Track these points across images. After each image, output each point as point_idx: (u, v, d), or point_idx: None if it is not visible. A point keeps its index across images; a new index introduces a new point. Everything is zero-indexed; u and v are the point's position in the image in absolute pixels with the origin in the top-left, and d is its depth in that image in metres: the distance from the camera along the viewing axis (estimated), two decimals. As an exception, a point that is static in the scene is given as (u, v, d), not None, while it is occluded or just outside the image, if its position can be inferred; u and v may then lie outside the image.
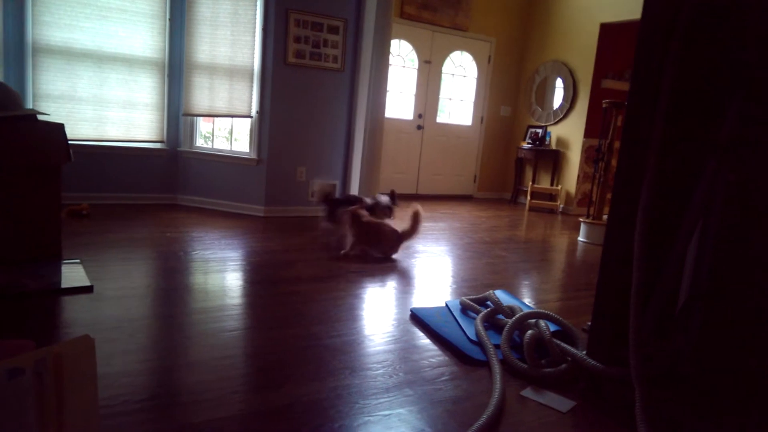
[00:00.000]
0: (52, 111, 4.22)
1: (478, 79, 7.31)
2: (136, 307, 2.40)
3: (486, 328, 2.37)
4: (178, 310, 2.42)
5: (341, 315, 2.52)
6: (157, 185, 4.85)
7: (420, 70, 6.83)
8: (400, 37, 6.50)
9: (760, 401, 1.56)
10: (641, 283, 1.69)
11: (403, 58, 6.70)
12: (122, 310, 2.35)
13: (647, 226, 1.69)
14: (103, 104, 4.48)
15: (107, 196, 4.65)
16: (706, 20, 1.66)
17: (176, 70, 4.71)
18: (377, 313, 2.62)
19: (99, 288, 2.57)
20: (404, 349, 2.20)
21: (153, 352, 1.99)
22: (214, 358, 1.97)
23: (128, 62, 4.52)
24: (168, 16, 4.60)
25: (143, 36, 4.54)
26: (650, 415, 1.61)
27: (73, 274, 2.69)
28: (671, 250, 1.75)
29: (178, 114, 4.80)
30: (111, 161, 4.63)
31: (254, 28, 4.60)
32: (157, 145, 4.80)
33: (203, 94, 4.70)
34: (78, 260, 2.93)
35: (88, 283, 2.58)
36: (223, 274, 3.03)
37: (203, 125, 5.09)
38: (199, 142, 4.97)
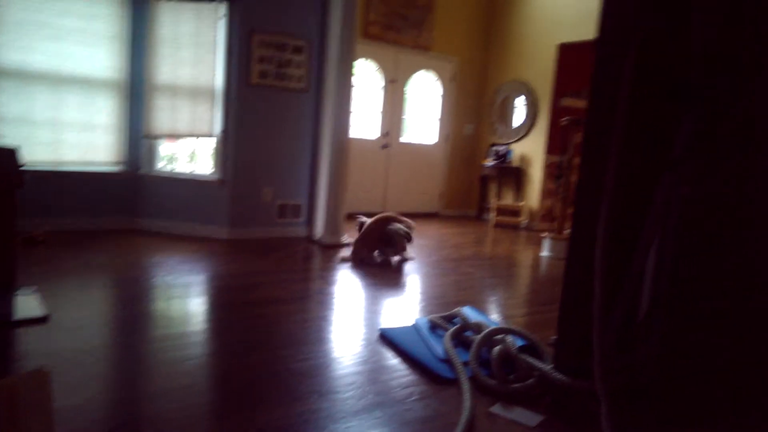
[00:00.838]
0: (6, 134, 4.08)
1: (442, 98, 7.44)
2: (94, 337, 2.31)
3: (455, 346, 2.37)
4: (138, 338, 2.34)
5: (309, 337, 2.48)
6: (117, 209, 4.71)
7: (385, 89, 6.91)
8: (364, 56, 6.57)
9: (723, 409, 1.60)
10: (603, 296, 1.73)
11: (367, 78, 6.77)
12: (80, 340, 2.25)
13: (608, 239, 1.74)
14: (59, 127, 4.35)
15: (64, 222, 4.49)
16: (658, 40, 1.74)
17: (137, 91, 4.63)
18: (345, 334, 2.59)
19: (55, 318, 2.47)
20: (373, 370, 2.18)
21: (113, 383, 1.92)
22: (177, 386, 1.91)
23: (86, 84, 4.42)
24: (128, 37, 4.53)
25: (102, 57, 4.45)
26: (616, 426, 1.63)
27: (27, 304, 2.57)
28: (631, 263, 1.80)
29: (138, 136, 4.70)
30: (68, 185, 4.49)
31: (216, 48, 4.57)
32: (117, 168, 4.68)
33: (165, 114, 4.62)
34: (33, 289, 2.81)
35: (43, 313, 2.47)
36: (185, 299, 2.95)
37: (164, 147, 4.99)
38: (160, 165, 4.87)
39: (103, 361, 2.09)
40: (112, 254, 3.78)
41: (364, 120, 6.83)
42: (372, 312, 2.98)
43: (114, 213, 4.70)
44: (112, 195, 4.67)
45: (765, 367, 1.48)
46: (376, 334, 2.61)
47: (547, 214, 6.85)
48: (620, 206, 1.79)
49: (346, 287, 3.43)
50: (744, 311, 1.52)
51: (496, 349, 2.16)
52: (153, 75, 4.57)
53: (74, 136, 4.43)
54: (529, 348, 2.27)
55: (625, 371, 1.82)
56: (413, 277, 3.86)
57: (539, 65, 6.88)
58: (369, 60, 6.68)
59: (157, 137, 4.72)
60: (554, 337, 2.13)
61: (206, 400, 1.84)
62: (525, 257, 5.00)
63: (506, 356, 2.14)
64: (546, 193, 6.88)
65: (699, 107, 1.63)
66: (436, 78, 7.34)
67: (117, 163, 4.67)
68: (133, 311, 2.67)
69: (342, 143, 4.69)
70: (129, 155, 4.70)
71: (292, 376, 2.06)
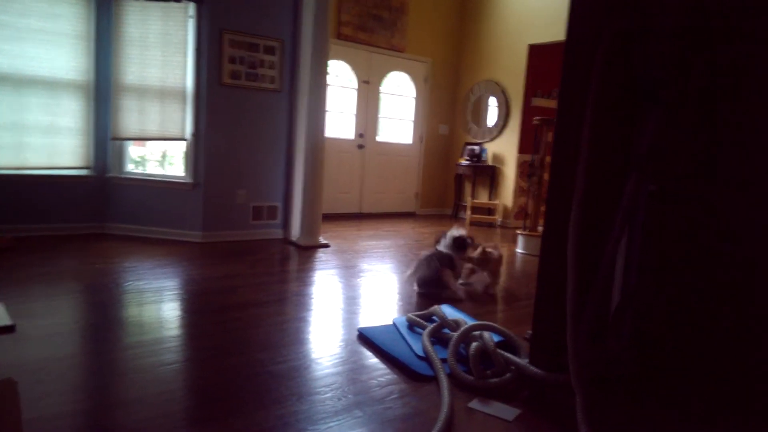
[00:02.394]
0: (-35, 138, 3.94)
1: (416, 98, 7.47)
2: (64, 346, 2.25)
3: (433, 343, 2.38)
4: (110, 346, 2.29)
5: (286, 340, 2.46)
6: (85, 214, 4.59)
7: (359, 90, 6.90)
8: (338, 57, 6.56)
9: (695, 397, 1.65)
10: (576, 291, 1.76)
11: (341, 78, 6.75)
12: (49, 349, 2.19)
13: (579, 236, 1.77)
14: (22, 130, 4.22)
15: (31, 228, 4.35)
16: (625, 42, 1.78)
17: (103, 92, 4.52)
18: (324, 335, 2.58)
19: (22, 327, 2.39)
20: (352, 370, 2.18)
21: (84, 393, 1.87)
22: (152, 394, 1.87)
23: (50, 85, 4.30)
24: (93, 37, 4.43)
25: (66, 58, 4.33)
26: (591, 417, 1.67)
27: (-9, 313, 2.49)
28: (602, 258, 1.84)
29: (105, 139, 4.59)
30: (34, 190, 4.36)
31: (186, 48, 4.50)
32: (84, 172, 4.56)
33: (133, 117, 4.53)
34: (-3, 298, 2.72)
35: (9, 322, 2.39)
36: (158, 305, 2.89)
37: (134, 150, 4.89)
38: (130, 167, 4.77)
39: (73, 370, 2.03)
40: (81, 260, 3.68)
41: (340, 120, 6.81)
42: (350, 312, 2.97)
43: (82, 218, 4.58)
44: (80, 199, 4.55)
45: (735, 356, 1.53)
46: (355, 334, 2.60)
47: (520, 212, 6.94)
48: (591, 203, 1.83)
49: (324, 288, 3.42)
50: (711, 302, 1.56)
51: (474, 345, 2.18)
52: (120, 76, 4.48)
53: (38, 139, 4.30)
54: (506, 343, 2.29)
55: (598, 363, 1.85)
56: (391, 276, 3.86)
57: (511, 66, 6.97)
58: (342, 61, 6.67)
59: (125, 140, 4.62)
60: (530, 331, 2.16)
61: (181, 407, 1.80)
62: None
63: (483, 352, 2.16)
64: (519, 191, 6.97)
65: (663, 106, 1.67)
66: (410, 79, 7.37)
67: (84, 167, 4.56)
68: (104, 318, 2.61)
69: (317, 143, 4.67)
70: (96, 158, 4.59)
71: (270, 379, 2.04)
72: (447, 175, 7.87)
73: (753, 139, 1.48)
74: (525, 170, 6.77)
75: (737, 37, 1.49)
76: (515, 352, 2.22)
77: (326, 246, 4.76)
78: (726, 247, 1.54)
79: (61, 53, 4.30)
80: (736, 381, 1.52)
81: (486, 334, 2.24)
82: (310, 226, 4.74)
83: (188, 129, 4.59)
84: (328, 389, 1.98)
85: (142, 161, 5.07)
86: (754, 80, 1.47)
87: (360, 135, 6.99)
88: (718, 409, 1.55)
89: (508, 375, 2.07)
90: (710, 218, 1.56)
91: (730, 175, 1.52)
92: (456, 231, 3.57)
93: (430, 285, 3.35)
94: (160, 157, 5.07)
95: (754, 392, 1.49)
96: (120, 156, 4.68)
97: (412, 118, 7.50)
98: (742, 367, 1.51)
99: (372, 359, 2.31)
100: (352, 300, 3.22)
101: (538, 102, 6.90)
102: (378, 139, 7.20)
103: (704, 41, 1.55)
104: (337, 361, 2.26)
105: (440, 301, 3.07)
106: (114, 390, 1.89)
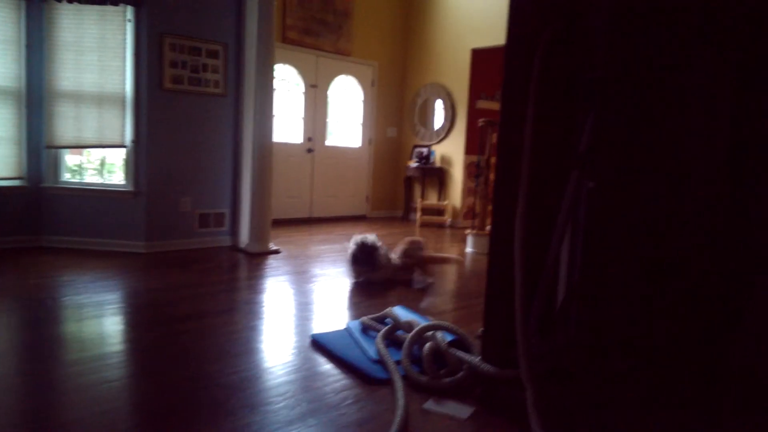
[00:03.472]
0: None
1: (364, 101, 7.49)
2: (-4, 367, 2.11)
3: (387, 346, 2.39)
4: (47, 364, 2.16)
5: (237, 350, 2.40)
6: (19, 227, 4.33)
7: (307, 94, 6.85)
8: (284, 61, 6.48)
9: (640, 387, 1.72)
10: (523, 287, 1.81)
11: (288, 83, 6.68)
12: (-22, 372, 2.05)
13: (524, 233, 1.82)
14: (-56, 139, 3.95)
15: (-45, 243, 4.06)
16: (563, 44, 1.85)
17: (36, 99, 4.28)
18: (276, 343, 2.54)
19: (-54, 350, 2.23)
20: (306, 377, 2.15)
21: (20, 416, 1.75)
22: (95, 413, 1.78)
23: (-25, 92, 4.03)
24: (24, 42, 4.19)
25: (-7, 63, 4.08)
26: (542, 411, 1.71)
27: None
28: (547, 254, 1.90)
29: (39, 147, 4.35)
30: (-42, 203, 4.07)
31: (125, 53, 4.33)
32: (16, 182, 4.31)
33: (69, 124, 4.31)
34: None
35: (-69, 346, 2.22)
36: (100, 319, 2.76)
37: (70, 158, 4.66)
38: (66, 177, 4.54)
39: (8, 391, 1.91)
40: (14, 275, 3.46)
41: (287, 125, 6.73)
42: (303, 318, 2.94)
43: (16, 230, 4.31)
44: (12, 211, 4.29)
45: (678, 344, 1.61)
46: (308, 340, 2.57)
47: (469, 212, 7.08)
48: (535, 201, 1.89)
49: (276, 295, 3.36)
50: (651, 293, 1.64)
51: (427, 345, 2.20)
52: (54, 82, 4.26)
53: (-37, 149, 4.03)
54: (459, 342, 2.33)
55: (546, 357, 1.91)
56: (343, 280, 3.84)
57: (456, 69, 7.11)
58: (289, 65, 6.60)
59: (61, 147, 4.40)
60: (481, 329, 2.21)
61: (126, 426, 1.73)
62: (451, 254, 5.12)
63: (437, 352, 2.18)
64: (467, 192, 7.11)
65: (599, 105, 1.75)
66: (357, 82, 7.38)
67: (16, 177, 4.30)
68: (40, 335, 2.47)
69: (265, 148, 4.60)
70: (30, 168, 4.34)
71: (220, 391, 1.98)
72: (397, 177, 7.93)
73: (684, 137, 1.56)
74: (472, 171, 6.90)
75: (668, 36, 1.58)
76: (468, 351, 2.26)
77: (277, 252, 4.69)
78: (662, 239, 1.62)
79: (-14, 57, 4.05)
80: (679, 368, 1.60)
81: (438, 334, 2.27)
82: (259, 233, 4.66)
83: (128, 135, 4.41)
84: (281, 398, 1.95)
85: (79, 170, 4.84)
86: (686, 79, 1.55)
87: (309, 139, 6.94)
88: (662, 398, 1.63)
89: (461, 374, 2.10)
90: (646, 212, 1.64)
91: (664, 170, 1.60)
92: (362, 237, 3.69)
93: (363, 262, 3.61)
94: (99, 165, 4.85)
95: (698, 380, 1.57)
96: (55, 165, 4.44)
97: (361, 122, 7.52)
98: (685, 355, 1.59)
99: (326, 365, 2.29)
100: (304, 306, 3.18)
101: (483, 104, 7.06)
102: (327, 143, 7.17)
103: (636, 40, 1.63)
104: (290, 369, 2.23)
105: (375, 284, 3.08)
106: (53, 411, 1.79)
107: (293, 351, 2.43)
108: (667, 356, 1.62)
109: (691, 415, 1.57)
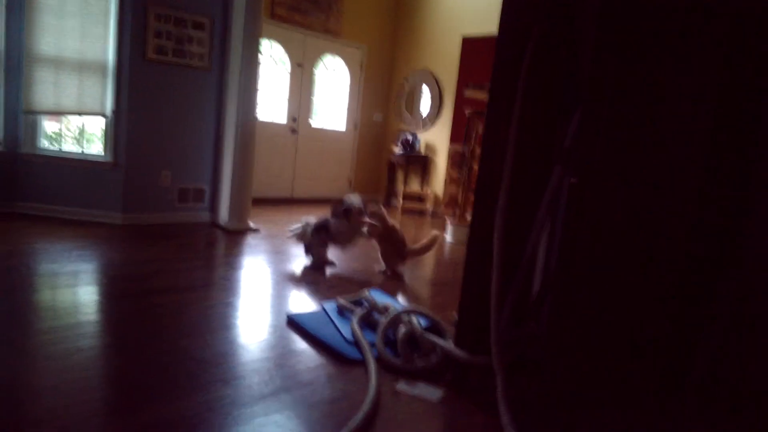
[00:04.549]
0: None
1: (351, 85, 7.43)
2: (-35, 333, 2.08)
3: (362, 328, 2.42)
4: (19, 332, 2.14)
5: (212, 325, 2.41)
6: (-9, 192, 4.24)
7: (292, 74, 6.77)
8: (271, 38, 6.39)
9: (606, 378, 1.78)
10: (500, 277, 1.84)
11: (274, 60, 6.59)
12: (-54, 336, 2.02)
13: (504, 226, 1.85)
14: None
15: (-77, 206, 3.96)
16: (552, 41, 1.87)
17: (15, 63, 4.16)
18: (252, 321, 2.55)
19: None
20: (281, 355, 2.17)
21: (-13, 382, 1.74)
22: (65, 381, 1.78)
23: (-51, 50, 3.90)
24: (4, 3, 4.05)
25: (-31, 21, 3.95)
26: (510, 397, 1.76)
27: None
28: (525, 247, 1.94)
29: (17, 112, 4.24)
30: (-72, 164, 3.96)
31: (108, 20, 4.22)
32: (-10, 146, 4.20)
33: (48, 89, 4.21)
34: None
35: None
36: (74, 289, 2.73)
37: (48, 125, 4.55)
38: (44, 144, 4.44)
39: (-25, 358, 1.89)
40: (-16, 242, 3.40)
41: (272, 103, 6.66)
42: (280, 297, 2.94)
43: (-13, 196, 4.22)
44: (-16, 176, 4.18)
45: (650, 336, 1.66)
46: (284, 319, 2.59)
47: (450, 201, 7.12)
48: (516, 195, 1.92)
49: (253, 273, 3.36)
50: (625, 287, 1.69)
51: (402, 329, 2.23)
52: (34, 46, 4.14)
53: (-65, 108, 3.90)
54: (433, 328, 2.37)
55: (517, 346, 1.96)
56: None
57: (445, 56, 7.09)
58: (275, 42, 6.51)
59: (39, 113, 4.29)
60: (456, 315, 2.25)
61: (99, 395, 1.73)
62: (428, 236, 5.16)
63: (411, 336, 2.22)
64: (450, 181, 7.14)
65: (585, 103, 1.78)
66: (345, 64, 7.32)
67: (-10, 141, 4.19)
68: (12, 303, 2.43)
69: (248, 125, 4.55)
70: (7, 133, 4.23)
71: (195, 364, 1.99)
72: (380, 162, 7.92)
73: (668, 136, 1.60)
74: (456, 160, 6.94)
75: (652, 36, 1.61)
76: (441, 336, 2.30)
77: (256, 230, 4.67)
78: (638, 235, 1.66)
79: (-38, 15, 3.91)
80: (652, 360, 1.66)
81: (414, 319, 2.31)
82: (239, 210, 4.63)
83: (109, 105, 4.32)
84: (254, 374, 1.96)
85: (57, 138, 4.73)
86: (670, 78, 1.59)
87: (293, 119, 6.88)
88: (633, 389, 1.69)
89: (433, 358, 2.14)
90: (625, 210, 1.68)
91: (647, 169, 1.64)
92: (351, 197, 3.77)
93: (307, 252, 3.76)
94: (78, 133, 4.74)
95: (671, 371, 1.63)
96: (33, 131, 4.34)
97: (347, 105, 7.47)
98: (657, 347, 1.65)
99: (301, 344, 2.31)
100: (281, 285, 3.19)
101: (471, 93, 7.07)
102: (312, 123, 7.12)
103: (620, 41, 1.66)
104: (264, 346, 2.24)
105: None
106: (26, 378, 1.78)
107: (269, 329, 2.44)
108: (636, 353, 1.67)
109: (655, 412, 1.63)
